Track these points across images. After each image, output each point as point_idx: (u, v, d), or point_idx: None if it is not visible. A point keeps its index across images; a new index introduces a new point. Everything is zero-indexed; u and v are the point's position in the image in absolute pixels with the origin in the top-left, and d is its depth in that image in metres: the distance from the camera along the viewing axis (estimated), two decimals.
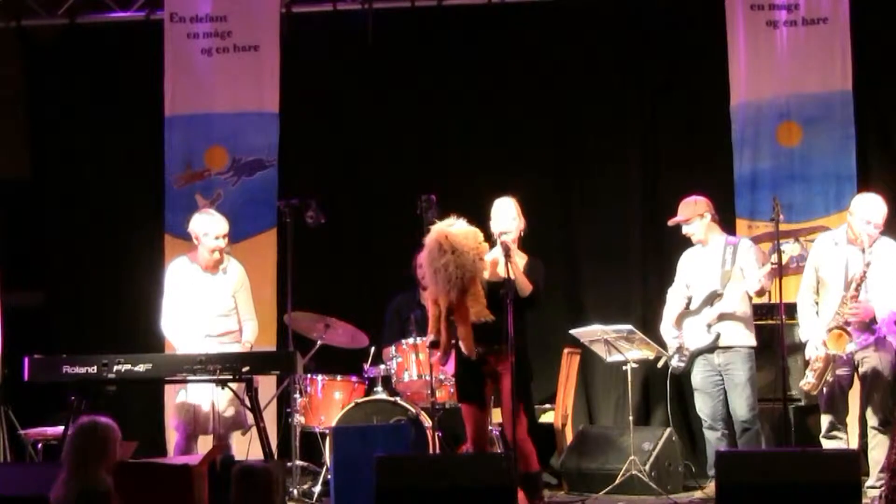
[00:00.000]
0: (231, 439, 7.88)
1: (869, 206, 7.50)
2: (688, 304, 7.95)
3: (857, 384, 7.55)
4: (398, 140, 9.76)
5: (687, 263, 8.01)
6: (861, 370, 7.48)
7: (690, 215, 7.90)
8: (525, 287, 7.07)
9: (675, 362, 7.90)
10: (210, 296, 7.85)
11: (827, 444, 7.49)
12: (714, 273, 7.77)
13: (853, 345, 7.36)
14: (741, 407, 7.70)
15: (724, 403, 7.82)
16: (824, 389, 7.46)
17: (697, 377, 7.88)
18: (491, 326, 6.95)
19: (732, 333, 7.73)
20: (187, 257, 7.97)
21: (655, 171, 9.59)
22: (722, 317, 7.71)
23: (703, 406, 7.89)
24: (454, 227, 7.05)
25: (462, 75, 9.70)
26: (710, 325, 7.76)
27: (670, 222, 8.08)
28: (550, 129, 9.71)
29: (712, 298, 7.76)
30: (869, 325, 7.41)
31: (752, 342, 7.80)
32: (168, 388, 8.36)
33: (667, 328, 7.98)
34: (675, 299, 8.01)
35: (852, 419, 7.63)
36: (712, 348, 7.77)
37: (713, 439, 7.87)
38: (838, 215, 8.42)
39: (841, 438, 7.50)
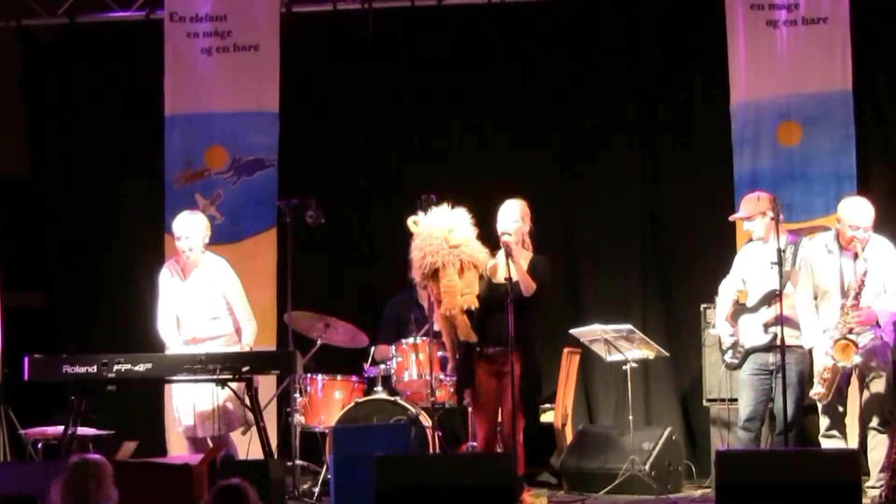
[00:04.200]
0: (232, 438, 7.89)
1: (855, 212, 7.43)
2: (742, 303, 7.81)
3: (854, 383, 7.54)
4: (398, 140, 9.76)
5: (745, 259, 7.86)
6: (859, 370, 7.46)
7: (753, 212, 7.75)
8: (528, 286, 7.08)
9: (729, 358, 7.78)
10: (189, 299, 7.84)
11: (825, 443, 7.47)
12: (773, 271, 7.52)
13: (859, 357, 7.32)
14: (790, 406, 7.42)
15: (766, 404, 7.68)
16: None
17: (745, 374, 7.70)
18: (498, 328, 6.96)
19: (789, 333, 7.48)
20: (173, 261, 8.00)
21: (655, 171, 9.59)
22: (780, 318, 7.48)
23: (746, 403, 7.68)
24: (430, 214, 7.10)
25: (462, 75, 9.69)
26: (767, 326, 7.61)
27: (731, 218, 8.00)
28: (550, 129, 9.70)
29: (770, 298, 7.58)
30: (872, 328, 7.39)
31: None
32: (168, 388, 8.37)
33: (721, 324, 7.84)
34: (727, 293, 7.86)
35: (850, 419, 7.62)
36: (768, 348, 7.62)
37: (746, 440, 7.67)
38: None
39: (839, 438, 7.48)
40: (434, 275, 7.05)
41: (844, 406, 7.52)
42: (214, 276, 7.90)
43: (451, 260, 7.02)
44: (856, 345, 7.26)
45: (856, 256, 7.37)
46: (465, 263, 7.05)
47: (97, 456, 5.69)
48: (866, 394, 7.43)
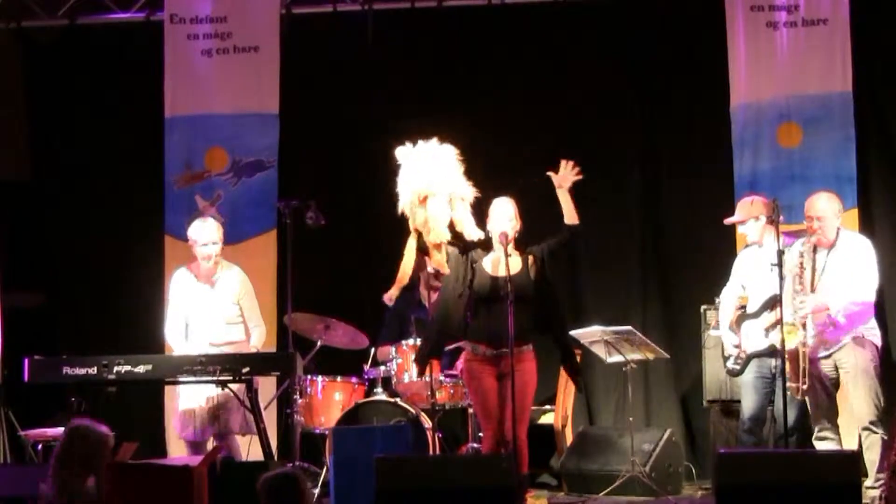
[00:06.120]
0: (234, 440, 7.89)
1: (814, 204, 7.53)
2: (743, 306, 7.82)
3: (844, 386, 7.53)
4: (398, 140, 9.72)
5: (743, 265, 7.89)
6: (843, 371, 7.46)
7: (746, 216, 7.79)
8: (573, 216, 7.21)
9: (731, 364, 7.78)
10: (210, 305, 7.84)
11: (819, 446, 7.47)
12: (772, 275, 7.48)
13: (802, 332, 7.32)
14: (791, 410, 7.45)
15: (766, 407, 7.69)
16: (810, 391, 7.41)
17: (749, 376, 7.70)
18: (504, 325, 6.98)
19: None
20: (186, 267, 7.98)
21: (655, 172, 9.59)
22: (779, 322, 7.47)
23: (749, 406, 7.69)
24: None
25: (462, 75, 9.70)
26: (768, 330, 7.61)
27: (726, 221, 8.01)
28: (550, 130, 9.69)
29: (772, 302, 7.56)
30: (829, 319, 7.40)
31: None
32: (168, 390, 8.36)
33: (725, 331, 7.85)
34: (729, 300, 7.87)
35: (847, 418, 7.62)
36: (770, 352, 7.63)
37: (749, 443, 7.67)
38: None
39: (832, 439, 7.49)
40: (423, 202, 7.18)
41: (834, 408, 7.51)
42: (234, 282, 7.93)
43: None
44: (799, 326, 7.28)
45: (828, 249, 7.41)
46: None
47: (103, 428, 5.77)
48: (854, 395, 7.43)
